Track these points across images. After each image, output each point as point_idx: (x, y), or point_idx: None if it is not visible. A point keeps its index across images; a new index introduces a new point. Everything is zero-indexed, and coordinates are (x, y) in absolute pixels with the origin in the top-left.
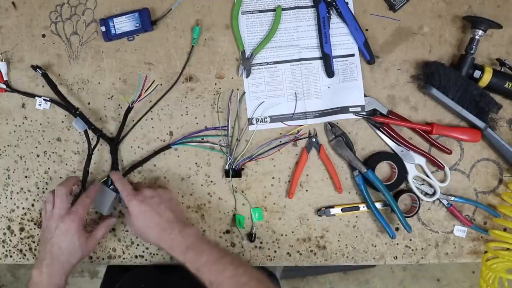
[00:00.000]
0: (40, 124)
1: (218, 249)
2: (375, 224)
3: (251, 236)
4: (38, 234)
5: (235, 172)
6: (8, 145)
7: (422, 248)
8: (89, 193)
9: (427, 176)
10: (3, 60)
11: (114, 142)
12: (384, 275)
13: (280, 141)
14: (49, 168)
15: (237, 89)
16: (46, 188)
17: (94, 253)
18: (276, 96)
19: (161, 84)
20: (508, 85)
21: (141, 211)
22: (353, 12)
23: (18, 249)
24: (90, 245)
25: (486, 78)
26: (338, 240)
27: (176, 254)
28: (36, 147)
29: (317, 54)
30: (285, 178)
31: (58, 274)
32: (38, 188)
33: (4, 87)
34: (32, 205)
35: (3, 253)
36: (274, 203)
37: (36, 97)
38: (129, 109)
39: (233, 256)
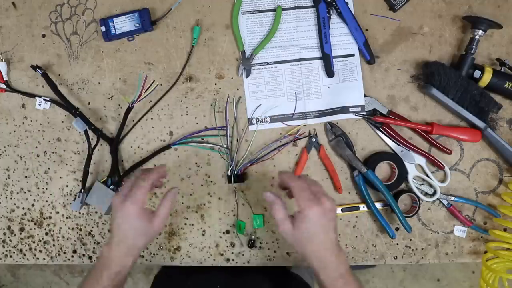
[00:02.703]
0: (40, 124)
1: (359, 283)
2: (375, 224)
3: (249, 242)
4: (38, 234)
5: (237, 177)
6: (8, 145)
7: (422, 248)
8: (149, 176)
9: (427, 176)
10: (3, 60)
11: (114, 142)
12: (384, 275)
13: (280, 141)
14: (49, 168)
15: (234, 95)
16: (46, 188)
17: (94, 253)
18: (276, 96)
19: (161, 84)
20: (508, 85)
21: (318, 222)
22: (353, 12)
23: (18, 249)
24: (156, 225)
25: (486, 78)
26: (338, 240)
27: (325, 277)
28: (36, 147)
29: (317, 54)
30: None
31: (125, 254)
32: (38, 188)
33: (4, 87)
34: (32, 205)
35: (3, 253)
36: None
37: (36, 97)
38: (129, 109)
39: None
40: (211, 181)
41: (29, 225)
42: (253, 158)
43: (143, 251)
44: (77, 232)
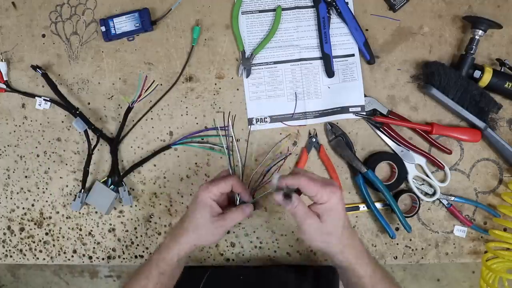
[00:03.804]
0: (40, 124)
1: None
2: (375, 224)
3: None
4: (38, 234)
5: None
6: (8, 145)
7: (422, 248)
8: (234, 177)
9: (427, 176)
10: (3, 60)
11: (114, 142)
12: None
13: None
14: (49, 168)
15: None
16: (46, 188)
17: (94, 253)
18: (276, 96)
19: (161, 84)
20: (508, 85)
21: (343, 209)
22: (353, 12)
23: (18, 249)
24: (218, 226)
25: (486, 78)
26: None
27: (359, 265)
28: (36, 147)
29: (317, 54)
30: None
31: (171, 241)
32: (38, 188)
33: (4, 87)
34: (32, 205)
35: (3, 253)
36: (274, 203)
37: (36, 97)
38: (129, 109)
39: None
40: None
41: (29, 225)
42: (260, 183)
43: (143, 251)
44: (77, 232)
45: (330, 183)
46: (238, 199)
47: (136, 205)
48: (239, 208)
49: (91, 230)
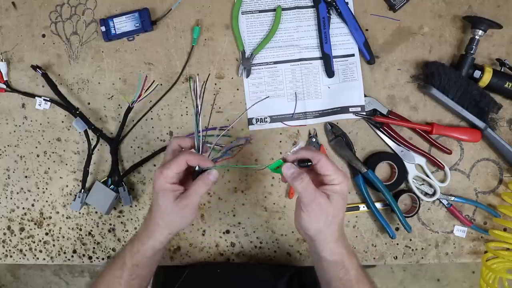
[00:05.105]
0: (40, 124)
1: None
2: (375, 224)
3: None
4: (38, 234)
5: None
6: (8, 145)
7: (422, 248)
8: (185, 153)
9: (427, 176)
10: (3, 60)
11: (114, 142)
12: (384, 275)
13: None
14: (49, 168)
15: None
16: (46, 188)
17: (94, 253)
18: (276, 96)
19: (161, 84)
20: (508, 85)
21: (345, 198)
22: (353, 12)
23: (18, 249)
24: (183, 207)
25: (486, 78)
26: None
27: (350, 258)
28: (36, 147)
29: (317, 54)
30: None
31: (148, 237)
32: (38, 188)
33: (4, 87)
34: (32, 205)
35: (3, 253)
36: (274, 203)
37: (36, 97)
38: (129, 109)
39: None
40: None
41: (29, 225)
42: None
43: None
44: (77, 232)
45: (340, 169)
46: (198, 167)
47: (136, 205)
48: (200, 179)
49: (91, 230)
